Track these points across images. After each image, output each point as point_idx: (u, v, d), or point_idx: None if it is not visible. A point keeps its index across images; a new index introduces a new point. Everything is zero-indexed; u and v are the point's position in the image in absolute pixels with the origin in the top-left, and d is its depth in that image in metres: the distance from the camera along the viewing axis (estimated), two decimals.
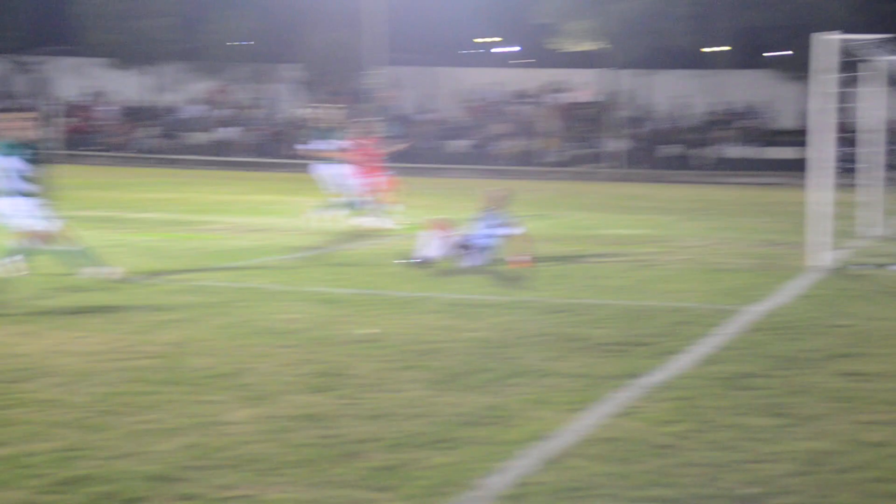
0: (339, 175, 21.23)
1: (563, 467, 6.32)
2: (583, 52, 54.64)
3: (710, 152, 49.63)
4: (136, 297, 11.83)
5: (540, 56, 69.32)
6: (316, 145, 22.25)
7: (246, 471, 6.14)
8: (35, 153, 12.98)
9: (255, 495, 5.78)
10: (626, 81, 55.33)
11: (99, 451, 6.42)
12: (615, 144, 48.51)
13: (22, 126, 13.12)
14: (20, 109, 16.68)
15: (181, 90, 60.16)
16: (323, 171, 21.92)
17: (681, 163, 49.47)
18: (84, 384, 7.97)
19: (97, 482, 5.89)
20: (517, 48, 76.75)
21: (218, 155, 52.23)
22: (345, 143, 21.33)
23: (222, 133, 53.97)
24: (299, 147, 24.95)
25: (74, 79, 60.70)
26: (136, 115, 56.68)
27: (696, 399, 7.93)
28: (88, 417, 7.11)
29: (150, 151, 52.69)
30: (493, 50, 77.06)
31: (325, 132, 22.52)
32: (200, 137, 54.49)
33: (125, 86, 58.37)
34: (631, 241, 18.95)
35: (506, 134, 51.17)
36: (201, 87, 58.82)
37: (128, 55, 57.11)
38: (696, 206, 29.40)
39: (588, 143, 50.70)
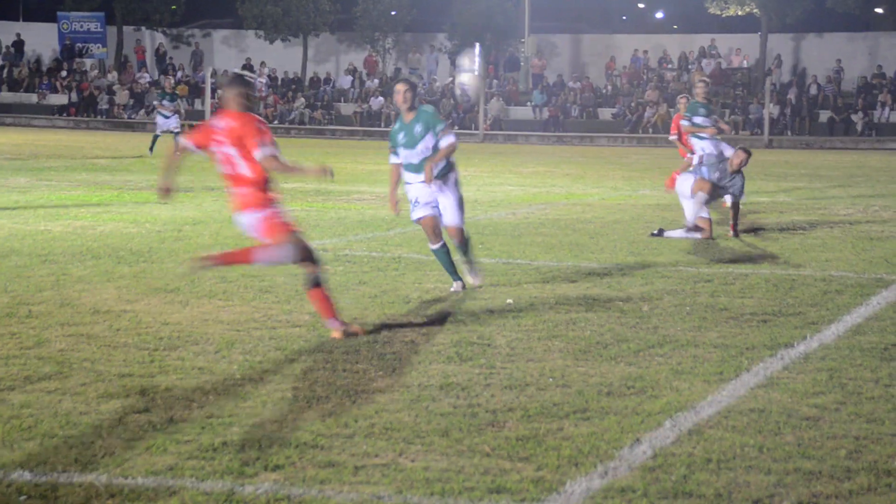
0: None
1: (704, 438, 6.23)
2: (733, 17, 53.54)
3: (866, 118, 48.16)
4: (281, 267, 12.01)
5: (685, 21, 68.19)
6: None
7: (385, 439, 6.20)
8: None
9: (393, 463, 5.83)
10: (778, 46, 54.09)
11: (244, 418, 6.55)
12: (767, 110, 47.45)
13: None
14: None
15: (332, 61, 60.94)
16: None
17: (835, 129, 48.18)
18: (231, 352, 8.13)
19: (242, 449, 6.01)
20: (661, 14, 75.59)
21: (368, 125, 52.76)
22: None
23: (373, 103, 54.43)
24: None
25: (229, 51, 61.95)
26: (288, 86, 57.57)
27: (842, 370, 7.74)
28: (235, 385, 7.26)
29: (300, 122, 53.50)
30: (659, 17, 76.07)
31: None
32: (350, 108, 55.07)
33: (279, 58, 59.34)
34: (779, 209, 18.54)
35: (655, 101, 50.51)
36: (353, 57, 59.45)
37: (281, 27, 58.03)
38: (848, 174, 28.62)
39: (740, 110, 49.68)
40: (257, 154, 8.63)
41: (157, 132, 31.11)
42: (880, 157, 37.07)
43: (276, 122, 53.58)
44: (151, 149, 30.90)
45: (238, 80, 8.85)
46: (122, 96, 56.34)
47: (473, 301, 10.18)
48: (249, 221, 8.74)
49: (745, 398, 7.06)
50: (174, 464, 5.80)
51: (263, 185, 8.70)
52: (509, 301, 10.14)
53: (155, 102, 33.18)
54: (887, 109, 48.76)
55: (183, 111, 33.19)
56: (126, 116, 55.46)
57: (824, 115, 48.92)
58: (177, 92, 33.03)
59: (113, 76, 58.43)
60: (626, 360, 8.03)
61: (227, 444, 6.07)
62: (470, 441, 6.20)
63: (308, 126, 52.99)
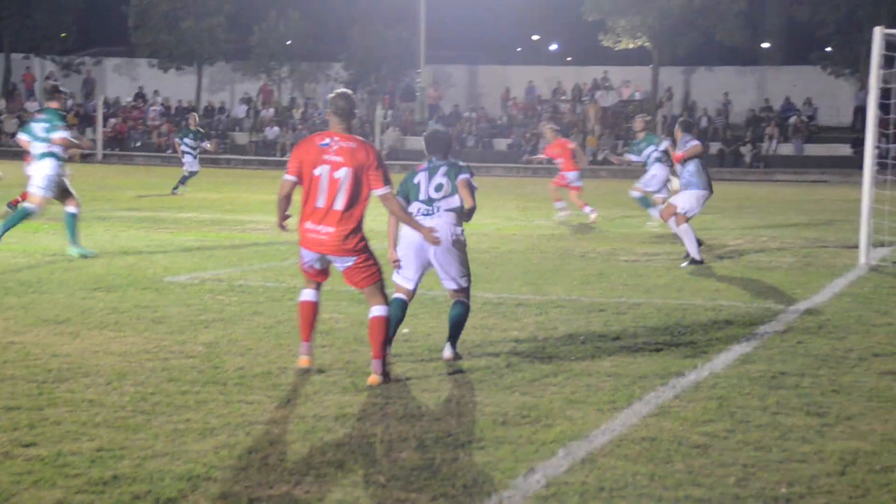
0: None
1: (596, 467, 6.30)
2: (625, 50, 54.44)
3: (754, 150, 49.23)
4: (174, 297, 11.90)
5: (579, 53, 69.14)
6: None
7: (280, 471, 6.16)
8: None
9: (288, 495, 5.79)
10: (669, 79, 55.10)
11: (135, 451, 6.46)
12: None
13: None
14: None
15: (227, 90, 60.60)
16: None
17: (724, 160, 49.14)
18: (122, 384, 8.02)
19: (132, 482, 5.93)
20: (555, 46, 76.54)
21: (262, 154, 52.49)
22: None
23: (268, 133, 54.20)
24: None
25: (121, 79, 61.27)
26: (182, 115, 57.03)
27: (732, 398, 7.88)
28: (125, 417, 7.15)
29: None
30: (553, 49, 76.95)
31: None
32: (245, 137, 54.78)
33: (172, 86, 58.82)
34: (671, 240, 18.85)
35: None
36: (248, 86, 59.18)
37: (175, 55, 57.56)
38: (737, 205, 29.20)
39: (630, 141, 50.47)
40: (379, 191, 8.24)
41: (186, 171, 29.59)
42: (769, 189, 37.88)
43: (169, 150, 53.04)
44: (176, 189, 29.10)
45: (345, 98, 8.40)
46: (9, 125, 55.28)
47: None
48: (342, 265, 8.31)
49: (637, 427, 7.15)
50: (62, 498, 5.69)
51: (361, 223, 8.28)
52: (405, 331, 10.14)
53: (176, 140, 30.64)
54: (775, 142, 49.90)
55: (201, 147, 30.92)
56: (13, 145, 54.40)
57: (714, 147, 49.89)
58: (200, 130, 30.96)
59: (1, 104, 57.36)
60: (520, 390, 8.08)
61: (117, 478, 5.98)
62: (365, 472, 6.19)
63: (203, 155, 52.48)
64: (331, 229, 8.31)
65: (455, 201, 9.36)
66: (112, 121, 54.91)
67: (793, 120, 51.04)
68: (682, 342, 9.89)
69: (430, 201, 9.35)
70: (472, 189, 9.37)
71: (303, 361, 8.54)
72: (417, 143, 52.18)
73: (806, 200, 31.34)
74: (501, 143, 53.14)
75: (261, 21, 58.34)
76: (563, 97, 55.43)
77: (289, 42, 57.96)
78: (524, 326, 10.54)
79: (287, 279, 13.39)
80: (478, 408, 7.57)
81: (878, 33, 15.59)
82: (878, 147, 15.84)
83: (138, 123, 55.74)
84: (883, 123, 16.28)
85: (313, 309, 8.69)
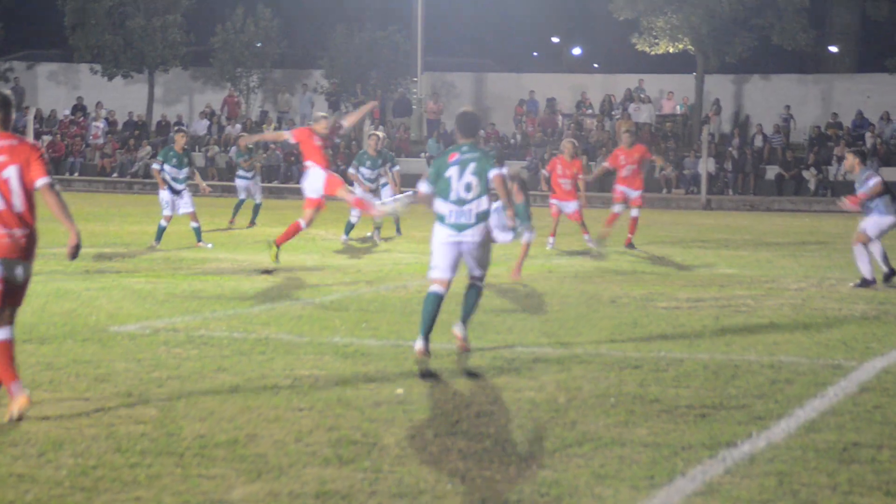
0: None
1: None
2: (664, 54, 54.64)
3: (820, 174, 49.33)
4: (121, 350, 11.91)
5: (608, 59, 69.42)
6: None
7: None
8: None
9: None
10: (716, 89, 55.26)
11: None
12: (699, 165, 48.35)
13: None
14: None
15: (185, 102, 60.81)
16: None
17: (784, 187, 49.23)
18: (59, 455, 8.02)
19: None
20: (579, 50, 76.92)
21: (229, 179, 52.52)
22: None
23: (234, 152, 54.28)
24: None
25: (57, 88, 61.49)
26: (130, 131, 57.22)
27: (794, 474, 7.88)
28: (62, 496, 7.16)
29: (146, 176, 53.14)
30: (571, 52, 77.36)
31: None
32: (206, 158, 54.91)
33: (119, 97, 59.01)
34: (719, 282, 18.87)
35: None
36: (210, 97, 59.37)
37: (122, 60, 57.77)
38: (800, 240, 29.24)
39: (673, 164, 50.59)
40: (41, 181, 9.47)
41: (241, 197, 30.53)
42: (836, 221, 37.94)
43: (115, 174, 53.19)
44: (232, 220, 30.13)
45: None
46: None
47: (355, 390, 10.19)
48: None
49: None
50: None
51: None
52: (399, 391, 10.16)
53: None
54: (844, 166, 49.95)
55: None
56: None
57: (771, 171, 49.96)
58: (250, 146, 31.20)
59: None
60: (538, 462, 8.08)
61: None
62: None
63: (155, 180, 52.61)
64: (17, 231, 9.23)
65: (484, 203, 12.01)
66: (46, 138, 55.09)
67: (867, 138, 51.14)
68: (734, 406, 9.88)
69: (461, 202, 11.97)
70: (506, 184, 11.98)
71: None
72: (415, 165, 52.47)
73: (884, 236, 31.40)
74: (516, 166, 53.24)
75: (225, 20, 58.60)
76: (589, 111, 55.61)
77: (259, 45, 58.19)
78: (543, 386, 10.54)
79: (257, 329, 13.41)
80: (487, 484, 7.57)
81: None
82: None
83: (77, 141, 55.90)
84: None
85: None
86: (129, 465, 7.85)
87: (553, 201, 25.16)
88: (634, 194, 25.02)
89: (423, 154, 53.43)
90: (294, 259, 21.29)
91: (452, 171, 12.04)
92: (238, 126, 56.35)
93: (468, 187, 12.02)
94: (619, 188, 25.22)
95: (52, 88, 61.66)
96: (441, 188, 12.07)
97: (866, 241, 18.57)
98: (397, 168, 27.57)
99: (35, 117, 54.99)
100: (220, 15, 59.25)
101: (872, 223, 18.70)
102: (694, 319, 14.83)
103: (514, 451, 8.38)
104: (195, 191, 25.42)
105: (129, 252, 22.54)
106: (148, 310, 14.83)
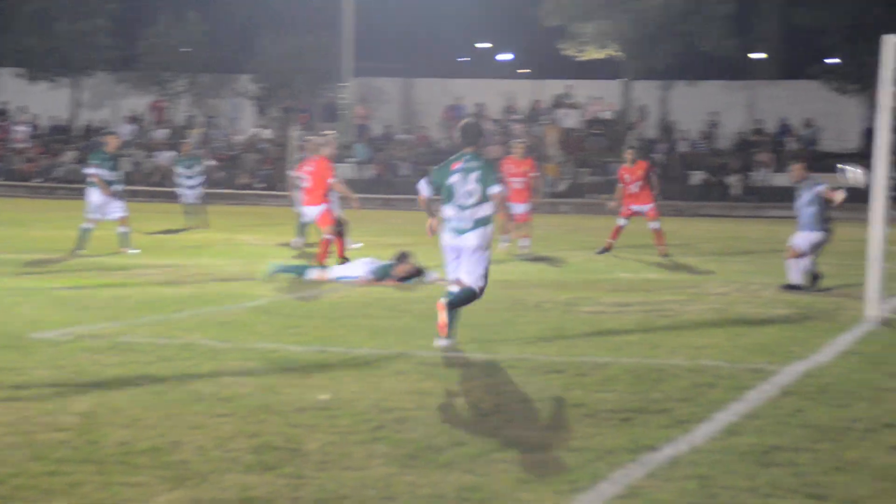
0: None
1: None
2: (592, 61, 54.89)
3: (745, 180, 49.75)
4: (42, 357, 11.81)
5: (537, 65, 69.65)
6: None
7: None
8: None
9: None
10: (643, 95, 55.62)
11: None
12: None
13: None
14: None
15: (110, 106, 60.36)
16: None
17: (709, 192, 49.61)
18: None
19: None
20: (510, 56, 77.12)
21: (152, 184, 52.21)
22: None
23: (161, 158, 53.95)
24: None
25: None
26: (54, 136, 56.71)
27: (715, 477, 7.94)
28: None
29: (69, 180, 52.66)
30: (496, 57, 77.50)
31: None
32: (131, 163, 54.54)
33: (42, 101, 58.48)
34: (644, 287, 18.99)
35: (500, 158, 51.29)
36: (136, 102, 58.98)
37: (45, 64, 57.23)
38: (722, 246, 29.47)
39: (598, 170, 50.79)
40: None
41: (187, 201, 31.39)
42: (761, 227, 38.30)
43: (38, 178, 52.66)
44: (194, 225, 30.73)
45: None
46: None
47: (279, 396, 10.16)
48: None
49: None
50: None
51: None
52: (323, 397, 10.14)
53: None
54: (771, 170, 50.33)
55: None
56: None
57: (697, 177, 50.34)
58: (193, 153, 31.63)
59: None
60: (462, 467, 8.09)
61: None
62: None
63: (79, 185, 52.21)
64: None
65: (485, 210, 12.91)
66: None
67: (790, 144, 51.66)
68: (657, 410, 9.94)
69: (462, 208, 12.93)
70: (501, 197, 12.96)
71: None
72: (342, 170, 52.28)
73: None
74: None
75: (151, 25, 58.23)
76: (516, 116, 55.73)
77: (186, 49, 57.88)
78: (468, 391, 10.56)
79: (182, 334, 13.34)
80: (410, 489, 7.57)
81: (891, 42, 15.82)
82: (892, 178, 16.06)
83: (1, 147, 55.34)
84: None
85: None
86: (48, 473, 7.78)
87: None
88: (646, 208, 25.14)
89: (349, 159, 53.32)
90: (219, 265, 21.20)
91: (456, 179, 13.04)
92: (165, 131, 56.04)
93: (469, 194, 12.98)
94: (628, 205, 25.42)
95: None
96: (445, 194, 13.11)
97: (799, 256, 18.90)
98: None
99: None
100: (146, 19, 58.87)
101: (803, 238, 19.03)
102: (618, 324, 14.90)
103: (438, 456, 8.38)
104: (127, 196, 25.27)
105: (52, 258, 22.33)
106: (70, 316, 14.70)
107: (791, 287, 18.63)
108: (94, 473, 7.79)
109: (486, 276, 13.07)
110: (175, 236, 28.80)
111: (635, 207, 25.36)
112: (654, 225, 25.18)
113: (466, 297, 12.96)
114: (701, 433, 9.16)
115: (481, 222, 12.99)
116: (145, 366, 11.45)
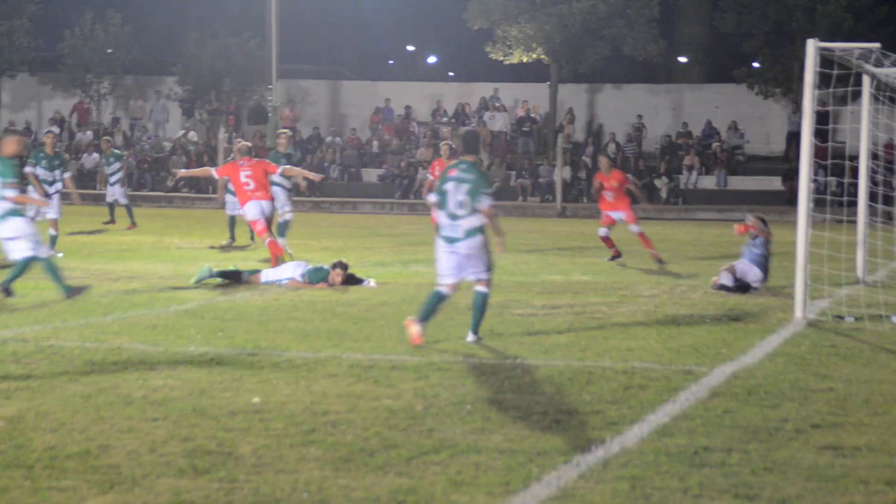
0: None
1: None
2: (518, 64, 55.04)
3: (671, 182, 50.08)
4: None
5: (464, 68, 69.76)
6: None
7: None
8: None
9: None
10: (570, 98, 55.85)
11: None
12: (555, 174, 48.80)
13: None
14: None
15: (33, 108, 59.78)
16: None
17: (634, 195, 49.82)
18: None
19: None
20: (434, 58, 77.21)
21: (79, 186, 51.62)
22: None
23: (85, 160, 53.47)
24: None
25: None
26: None
27: (647, 478, 7.99)
28: None
29: None
30: (427, 60, 77.55)
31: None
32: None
33: None
34: (574, 289, 19.06)
35: (429, 160, 51.28)
36: (59, 104, 58.45)
37: None
38: (656, 248, 29.61)
39: (523, 173, 50.93)
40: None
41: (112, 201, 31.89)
42: (688, 229, 38.56)
43: None
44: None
45: None
46: None
47: (211, 400, 10.12)
48: None
49: None
50: None
51: None
52: (255, 400, 10.11)
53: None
54: (695, 173, 50.73)
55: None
56: None
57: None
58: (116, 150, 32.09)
59: None
60: (395, 470, 8.09)
61: None
62: None
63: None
64: None
65: (474, 221, 13.31)
66: None
67: (715, 147, 52.06)
68: (588, 412, 9.99)
69: (454, 217, 13.33)
70: (491, 212, 13.43)
71: None
72: None
73: (732, 242, 31.91)
74: (372, 174, 53.24)
75: (74, 25, 57.74)
76: (444, 119, 55.78)
77: (109, 51, 57.43)
78: (400, 393, 10.55)
79: (110, 338, 13.25)
80: (343, 492, 7.57)
81: (813, 47, 15.99)
82: (814, 180, 16.20)
83: None
84: (820, 153, 16.67)
85: None
86: None
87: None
88: (624, 215, 24.61)
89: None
90: (148, 268, 21.07)
91: (450, 187, 13.44)
92: (90, 133, 55.58)
93: (460, 205, 13.36)
94: (606, 213, 25.03)
95: None
96: (440, 200, 13.58)
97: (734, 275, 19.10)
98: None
99: None
100: (69, 20, 58.32)
101: (747, 267, 19.15)
102: (549, 326, 14.96)
103: (371, 459, 8.38)
104: (66, 198, 25.17)
105: None
106: None
107: (723, 287, 18.71)
108: (22, 478, 7.72)
109: (490, 267, 13.66)
110: (101, 238, 28.54)
111: (614, 215, 24.95)
112: (634, 228, 24.78)
113: (485, 305, 13.68)
114: (632, 434, 9.21)
115: (471, 233, 13.39)
116: (72, 370, 11.36)
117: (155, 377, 11.10)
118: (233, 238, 26.97)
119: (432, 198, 13.87)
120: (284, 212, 24.50)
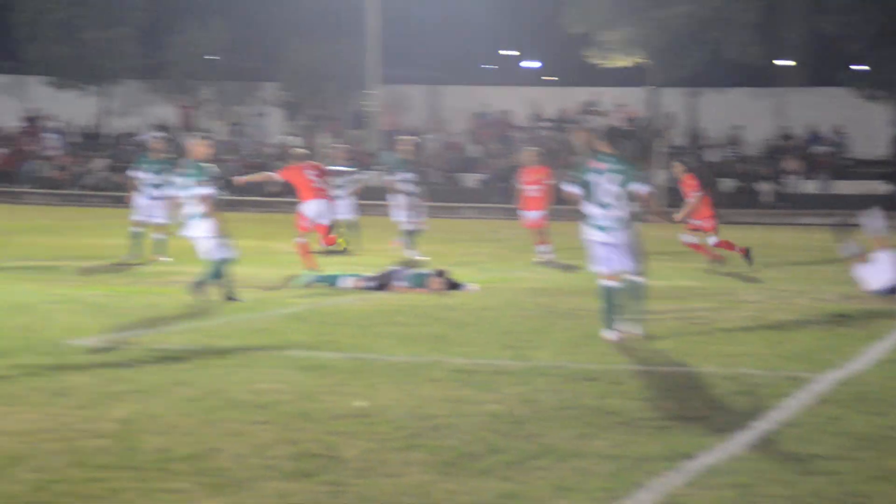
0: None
1: None
2: (618, 68, 54.79)
3: (777, 186, 49.58)
4: (79, 364, 11.85)
5: (562, 72, 69.59)
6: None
7: None
8: None
9: None
10: (672, 102, 55.50)
11: None
12: (659, 178, 48.54)
13: None
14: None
15: (138, 114, 60.55)
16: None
17: (739, 199, 49.43)
18: (17, 470, 7.97)
19: None
20: (538, 63, 77.12)
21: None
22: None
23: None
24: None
25: (8, 101, 61.03)
26: (83, 143, 56.91)
27: (754, 486, 7.92)
28: None
29: (99, 188, 52.83)
30: (521, 64, 77.55)
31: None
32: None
33: (71, 109, 58.69)
34: (677, 295, 18.95)
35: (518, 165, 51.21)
36: (162, 110, 59.15)
37: (74, 72, 57.42)
38: (756, 253, 29.36)
39: None
40: None
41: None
42: (792, 234, 38.18)
43: (68, 186, 52.84)
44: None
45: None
46: None
47: (316, 403, 10.18)
48: None
49: None
50: None
51: None
52: (360, 404, 10.15)
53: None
54: (801, 177, 50.17)
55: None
56: None
57: (726, 184, 50.15)
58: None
59: None
60: (499, 474, 8.09)
61: None
62: None
63: (110, 193, 52.26)
64: None
65: (626, 211, 13.70)
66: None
67: (818, 151, 51.48)
68: (693, 417, 9.93)
69: (604, 206, 13.74)
70: (650, 196, 14.14)
71: None
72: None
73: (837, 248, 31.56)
74: (470, 179, 53.27)
75: (177, 33, 58.38)
76: (545, 122, 55.69)
77: (212, 57, 57.99)
78: (503, 398, 10.55)
79: (217, 341, 13.38)
80: (448, 496, 7.58)
81: None
82: None
83: (30, 154, 55.50)
84: None
85: None
86: (88, 479, 7.81)
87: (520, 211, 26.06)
88: (704, 222, 24.19)
89: (375, 166, 53.25)
90: (252, 272, 21.25)
91: (598, 178, 13.82)
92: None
93: (613, 195, 13.77)
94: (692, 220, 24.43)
95: (3, 101, 61.09)
96: (588, 192, 13.89)
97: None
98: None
99: None
100: (173, 27, 58.99)
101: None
102: (652, 331, 14.87)
103: (475, 463, 8.38)
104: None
105: (87, 265, 22.41)
106: (106, 323, 14.76)
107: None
108: (133, 480, 7.82)
109: (639, 259, 14.19)
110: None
111: (695, 221, 24.33)
112: (711, 239, 24.31)
113: (641, 293, 14.33)
114: (738, 441, 9.14)
115: (623, 222, 13.86)
116: (181, 373, 11.49)
117: (260, 381, 11.19)
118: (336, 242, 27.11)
119: (570, 188, 14.06)
120: (412, 221, 25.45)
